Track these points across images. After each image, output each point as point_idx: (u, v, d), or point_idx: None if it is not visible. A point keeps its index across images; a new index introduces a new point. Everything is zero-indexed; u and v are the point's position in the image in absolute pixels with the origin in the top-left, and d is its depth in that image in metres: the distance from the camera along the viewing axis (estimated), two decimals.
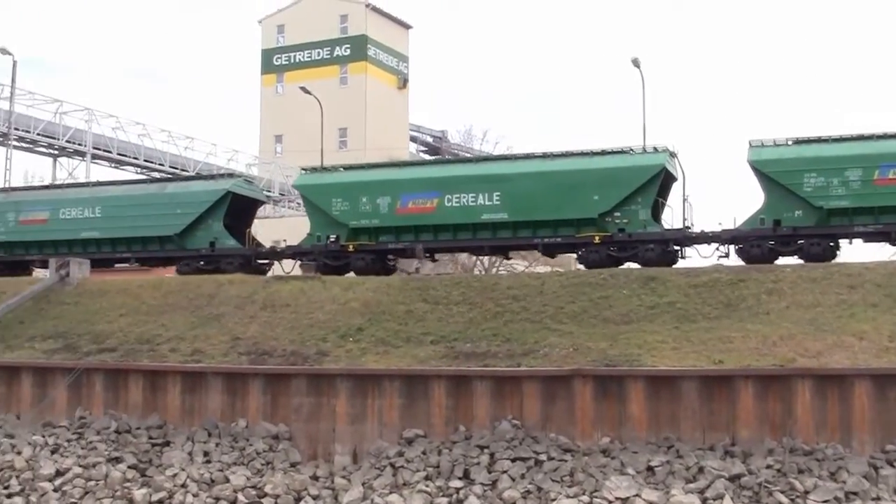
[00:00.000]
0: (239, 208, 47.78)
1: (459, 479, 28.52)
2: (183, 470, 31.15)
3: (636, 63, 53.40)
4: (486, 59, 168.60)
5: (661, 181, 40.47)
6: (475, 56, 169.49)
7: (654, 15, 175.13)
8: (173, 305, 38.82)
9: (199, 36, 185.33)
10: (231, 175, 53.08)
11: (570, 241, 41.53)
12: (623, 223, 40.31)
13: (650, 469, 27.65)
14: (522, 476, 28.06)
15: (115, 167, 79.87)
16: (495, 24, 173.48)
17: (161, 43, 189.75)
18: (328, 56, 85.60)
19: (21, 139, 71.10)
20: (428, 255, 45.16)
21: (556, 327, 32.10)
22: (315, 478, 30.49)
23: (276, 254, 47.62)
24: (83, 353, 36.21)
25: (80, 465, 31.83)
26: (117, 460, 32.00)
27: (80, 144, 74.95)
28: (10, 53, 65.97)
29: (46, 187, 53.77)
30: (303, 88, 68.52)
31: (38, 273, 51.77)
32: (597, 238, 40.36)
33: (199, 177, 52.22)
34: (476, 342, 32.07)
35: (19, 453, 33.11)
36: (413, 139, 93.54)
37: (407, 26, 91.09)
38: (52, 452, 32.95)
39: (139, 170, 79.41)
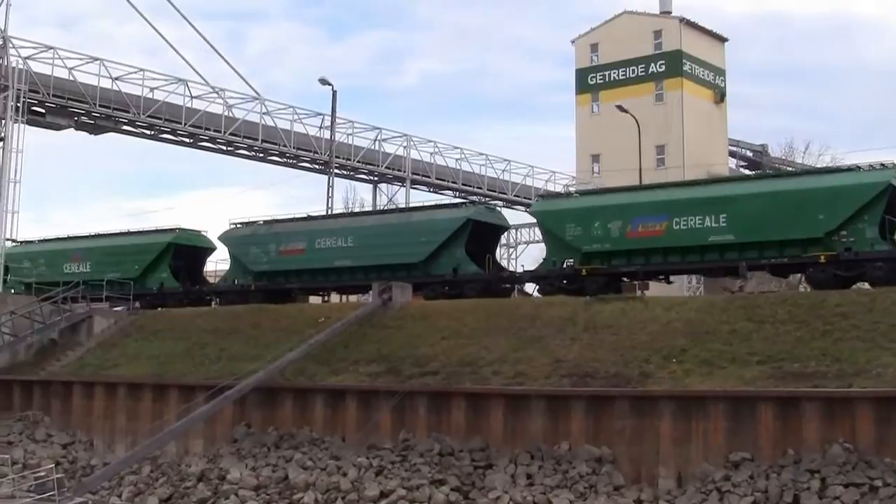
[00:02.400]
0: (481, 234, 49.91)
1: None
2: (506, 493, 31.78)
3: None
4: (810, 67, 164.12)
5: (888, 198, 39.59)
6: (797, 65, 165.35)
7: None
8: (494, 328, 39.61)
9: (511, 54, 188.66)
10: (473, 203, 55.49)
11: (797, 261, 41.45)
12: (850, 242, 39.88)
13: None
14: (856, 503, 27.43)
15: (433, 191, 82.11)
16: (814, 30, 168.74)
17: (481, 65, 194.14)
18: (643, 73, 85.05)
19: (342, 167, 74.11)
20: (662, 277, 46.42)
21: (890, 346, 31.05)
22: (639, 501, 30.64)
23: (515, 278, 50.11)
24: (406, 376, 37.60)
25: (404, 487, 32.95)
26: (441, 482, 32.98)
27: (398, 170, 77.69)
28: (330, 84, 69.01)
29: (303, 219, 57.40)
30: (619, 107, 68.96)
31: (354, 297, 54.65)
32: (822, 258, 40.08)
33: (441, 206, 54.88)
34: (804, 362, 31.46)
35: (345, 475, 34.57)
36: (732, 154, 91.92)
37: (722, 39, 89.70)
38: (377, 474, 34.27)
39: (457, 193, 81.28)
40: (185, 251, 60.59)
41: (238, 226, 58.51)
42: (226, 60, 68.36)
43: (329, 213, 65.29)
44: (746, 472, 29.61)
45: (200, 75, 65.55)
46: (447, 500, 32.18)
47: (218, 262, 64.76)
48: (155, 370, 45.11)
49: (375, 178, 79.94)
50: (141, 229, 63.83)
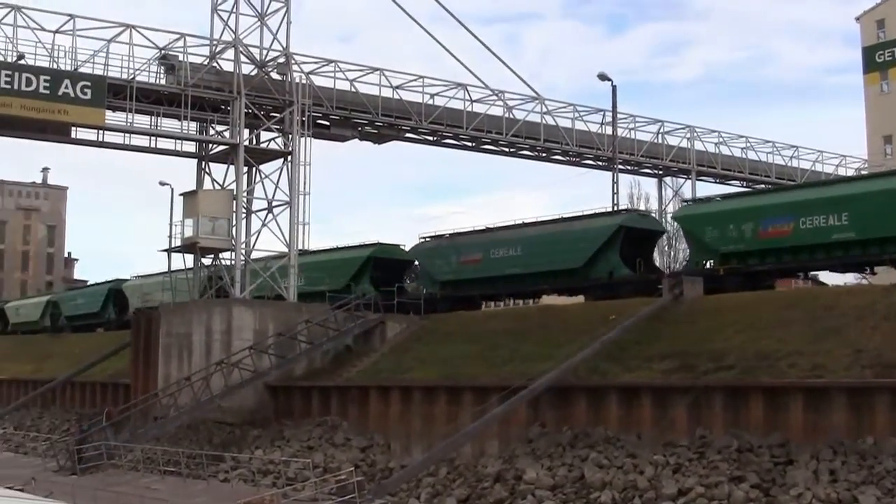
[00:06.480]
0: (635, 240, 53.99)
1: None
2: (808, 489, 31.16)
3: None
4: None
5: None
6: None
7: None
8: (789, 319, 38.99)
9: (791, 37, 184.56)
10: (626, 210, 59.18)
11: None
12: None
13: None
14: None
15: (719, 182, 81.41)
16: None
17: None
18: None
19: (625, 162, 74.40)
20: (801, 275, 49.20)
21: None
22: None
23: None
24: (700, 371, 37.45)
25: (702, 485, 32.74)
26: (739, 479, 32.65)
27: (683, 162, 77.07)
28: (609, 79, 68.71)
29: (480, 231, 61.23)
30: None
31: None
32: None
33: (598, 214, 57.48)
34: None
35: (641, 473, 34.69)
36: None
37: None
38: (674, 472, 34.23)
39: (744, 183, 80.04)
40: (384, 263, 64.98)
41: (426, 239, 63.74)
42: (504, 63, 68.63)
43: (608, 208, 65.45)
44: None
45: (479, 79, 66.44)
46: (747, 497, 31.80)
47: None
48: (448, 373, 46.23)
49: (660, 172, 79.64)
50: (347, 245, 69.65)
